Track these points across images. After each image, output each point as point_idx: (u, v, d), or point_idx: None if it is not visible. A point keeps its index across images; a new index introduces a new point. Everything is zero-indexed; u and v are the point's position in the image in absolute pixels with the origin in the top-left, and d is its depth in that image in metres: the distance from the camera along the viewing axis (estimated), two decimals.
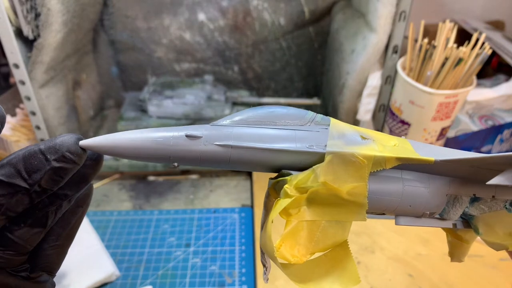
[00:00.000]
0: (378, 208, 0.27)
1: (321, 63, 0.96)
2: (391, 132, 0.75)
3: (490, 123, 0.77)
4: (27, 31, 0.62)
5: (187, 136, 0.25)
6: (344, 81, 0.76)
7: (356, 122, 0.78)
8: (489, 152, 0.81)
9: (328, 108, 0.89)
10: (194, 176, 0.81)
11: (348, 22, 0.79)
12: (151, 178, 0.80)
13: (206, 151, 0.25)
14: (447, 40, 0.64)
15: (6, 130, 0.76)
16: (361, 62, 0.71)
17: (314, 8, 0.88)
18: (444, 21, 0.65)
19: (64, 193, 0.26)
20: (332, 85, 0.86)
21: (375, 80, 0.73)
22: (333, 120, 0.28)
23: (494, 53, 0.84)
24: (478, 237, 0.31)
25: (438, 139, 0.72)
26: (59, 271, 0.29)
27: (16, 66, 0.64)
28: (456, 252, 0.34)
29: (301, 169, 0.27)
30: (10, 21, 0.60)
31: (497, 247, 0.30)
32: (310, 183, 0.26)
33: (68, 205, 0.27)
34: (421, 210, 0.28)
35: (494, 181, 0.25)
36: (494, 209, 0.29)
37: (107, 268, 0.60)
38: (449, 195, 0.29)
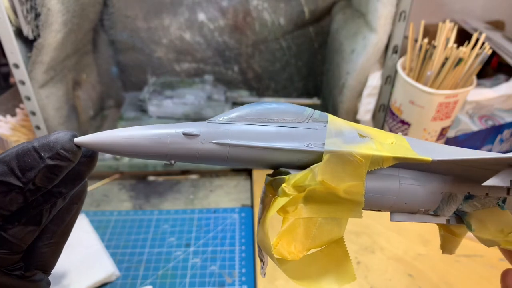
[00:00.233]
0: (374, 206, 0.28)
1: (321, 63, 0.96)
2: (391, 132, 0.75)
3: (490, 123, 0.77)
4: (27, 31, 0.62)
5: (184, 134, 0.25)
6: (344, 81, 0.76)
7: (356, 122, 0.78)
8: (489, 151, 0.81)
9: (328, 108, 0.89)
10: (194, 176, 0.81)
11: (348, 22, 0.79)
12: (151, 178, 0.80)
13: (204, 149, 0.25)
14: (447, 40, 0.64)
15: (6, 130, 0.76)
16: (361, 62, 0.71)
17: (314, 8, 0.88)
18: (444, 21, 0.65)
19: (58, 190, 0.25)
20: (332, 85, 0.86)
21: (375, 80, 0.73)
22: (330, 117, 0.28)
23: (494, 53, 0.84)
24: (473, 236, 0.31)
25: (438, 139, 0.72)
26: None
27: (16, 66, 0.64)
28: (447, 245, 0.34)
29: (299, 167, 0.27)
30: (10, 21, 0.60)
31: (489, 243, 0.30)
32: (308, 182, 0.26)
33: (63, 203, 0.27)
34: (416, 207, 0.28)
35: (490, 182, 0.26)
36: (487, 206, 0.30)
37: (107, 268, 0.60)
38: (444, 193, 0.29)
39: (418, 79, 0.68)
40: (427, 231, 0.67)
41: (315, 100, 0.94)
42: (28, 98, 0.67)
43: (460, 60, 0.63)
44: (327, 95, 0.92)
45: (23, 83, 0.65)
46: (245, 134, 0.26)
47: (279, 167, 0.27)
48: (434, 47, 0.65)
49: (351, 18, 0.79)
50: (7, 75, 0.97)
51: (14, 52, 0.62)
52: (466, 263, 0.62)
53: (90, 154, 0.26)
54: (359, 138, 0.27)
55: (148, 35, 0.90)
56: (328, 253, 0.27)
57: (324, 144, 0.26)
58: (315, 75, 0.99)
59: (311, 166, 0.26)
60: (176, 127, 0.25)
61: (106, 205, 0.74)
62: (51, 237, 0.28)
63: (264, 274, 0.30)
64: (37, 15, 0.61)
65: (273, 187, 0.28)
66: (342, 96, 0.77)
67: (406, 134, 0.71)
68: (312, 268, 0.27)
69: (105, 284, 0.59)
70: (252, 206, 0.74)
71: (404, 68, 0.70)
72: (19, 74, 0.64)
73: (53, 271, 0.61)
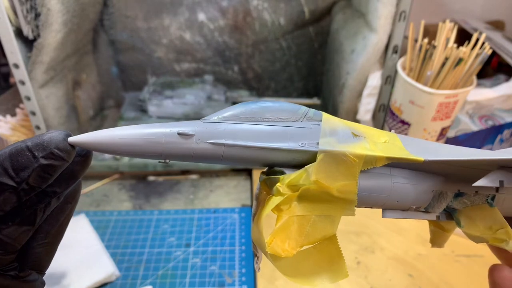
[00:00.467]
0: (366, 203, 0.28)
1: (321, 63, 0.96)
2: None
3: (490, 123, 0.77)
4: (27, 31, 0.62)
5: (179, 134, 0.25)
6: (344, 81, 0.76)
7: (356, 122, 0.78)
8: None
9: (328, 108, 0.89)
10: (194, 176, 0.81)
11: (348, 22, 0.79)
12: (151, 178, 0.80)
13: (199, 149, 0.25)
14: (447, 40, 0.64)
15: (6, 130, 0.76)
16: (361, 62, 0.71)
17: (314, 8, 0.88)
18: (444, 21, 0.65)
19: (52, 190, 0.25)
20: (332, 85, 0.86)
21: (375, 80, 0.73)
22: (325, 115, 0.28)
23: (494, 53, 0.84)
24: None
25: (438, 139, 0.72)
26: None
27: (16, 66, 0.64)
28: (437, 239, 0.36)
29: (294, 166, 0.27)
30: (10, 21, 0.60)
31: (477, 240, 0.31)
32: (302, 182, 0.26)
33: (57, 202, 0.27)
34: (408, 205, 0.29)
35: (480, 183, 0.26)
36: (476, 204, 0.30)
37: (107, 268, 0.60)
38: (435, 191, 0.30)
39: (418, 79, 0.68)
40: (427, 231, 0.66)
41: (315, 100, 0.94)
42: (28, 98, 0.67)
43: (460, 60, 0.63)
44: (327, 95, 0.92)
45: (23, 83, 0.65)
46: (240, 134, 0.26)
47: (274, 166, 0.28)
48: (434, 47, 0.65)
49: (351, 18, 0.79)
50: (7, 75, 0.97)
51: (14, 52, 0.62)
52: (466, 263, 0.62)
53: (84, 154, 0.26)
54: (353, 138, 0.27)
55: (148, 35, 0.90)
56: (321, 250, 0.28)
57: (318, 143, 0.26)
58: (315, 75, 0.99)
59: (306, 166, 0.26)
60: (171, 126, 0.25)
61: (106, 205, 0.74)
62: (45, 237, 0.27)
63: (259, 269, 0.31)
64: (37, 15, 0.61)
65: (267, 185, 0.28)
66: (342, 96, 0.77)
67: (406, 134, 0.71)
68: (305, 264, 0.28)
69: (105, 284, 0.59)
70: (252, 206, 0.74)
71: (404, 68, 0.70)
72: (19, 74, 0.64)
73: (53, 271, 0.61)
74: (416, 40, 0.68)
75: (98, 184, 0.78)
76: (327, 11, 0.90)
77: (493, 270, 0.32)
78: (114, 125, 0.89)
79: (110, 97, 0.95)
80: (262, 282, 0.59)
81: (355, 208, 0.27)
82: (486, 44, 0.63)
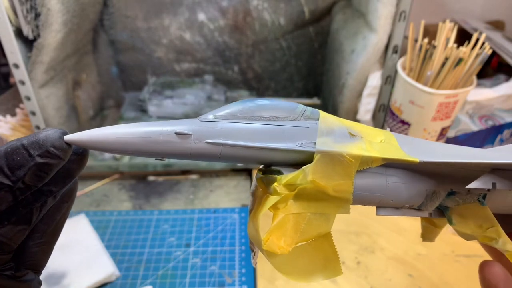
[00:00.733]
0: (361, 202, 0.29)
1: (321, 63, 0.96)
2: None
3: (490, 123, 0.77)
4: (27, 31, 0.62)
5: (176, 133, 0.25)
6: (344, 81, 0.76)
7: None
8: None
9: (328, 108, 0.89)
10: (194, 176, 0.81)
11: (348, 22, 0.79)
12: (151, 178, 0.80)
13: (196, 148, 0.25)
14: (447, 40, 0.64)
15: (6, 130, 0.76)
16: (361, 62, 0.71)
17: (314, 8, 0.88)
18: (444, 21, 0.65)
19: (48, 189, 0.25)
20: (332, 85, 0.86)
21: (375, 80, 0.73)
22: (322, 114, 0.28)
23: (494, 53, 0.84)
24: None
25: (438, 139, 0.72)
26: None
27: (16, 66, 0.64)
28: (428, 235, 0.37)
29: (290, 165, 0.27)
30: (10, 21, 0.60)
31: (468, 237, 0.32)
32: (299, 182, 0.26)
33: (53, 201, 0.26)
34: (402, 203, 0.30)
35: (473, 185, 0.27)
36: (468, 202, 0.31)
37: (107, 268, 0.60)
38: (428, 190, 0.30)
39: (418, 79, 0.68)
40: None
41: (315, 100, 0.94)
42: (28, 98, 0.67)
43: (460, 60, 0.63)
44: (327, 95, 0.92)
45: (23, 83, 0.65)
46: (237, 133, 0.26)
47: (272, 165, 0.28)
48: (434, 47, 0.65)
49: (351, 18, 0.79)
50: (7, 75, 0.97)
51: (14, 52, 0.62)
52: (466, 263, 0.62)
53: (80, 152, 0.25)
54: (349, 137, 0.28)
55: (148, 35, 0.90)
56: (316, 247, 0.28)
57: (315, 143, 0.26)
58: (315, 75, 0.99)
59: (303, 167, 0.26)
60: (168, 125, 0.25)
61: (106, 205, 0.74)
62: (41, 236, 0.27)
63: (255, 264, 0.31)
64: (37, 15, 0.61)
65: (263, 183, 0.28)
66: (342, 96, 0.77)
67: (406, 134, 0.71)
68: (300, 261, 0.28)
69: (105, 284, 0.59)
70: None
71: (404, 68, 0.70)
72: (19, 74, 0.64)
73: (53, 271, 0.61)
74: (416, 40, 0.68)
75: (98, 184, 0.78)
76: (327, 11, 0.90)
77: (483, 266, 0.32)
78: (114, 125, 0.89)
79: (110, 97, 0.95)
80: (262, 282, 0.58)
81: (350, 206, 0.27)
82: (486, 44, 0.63)
